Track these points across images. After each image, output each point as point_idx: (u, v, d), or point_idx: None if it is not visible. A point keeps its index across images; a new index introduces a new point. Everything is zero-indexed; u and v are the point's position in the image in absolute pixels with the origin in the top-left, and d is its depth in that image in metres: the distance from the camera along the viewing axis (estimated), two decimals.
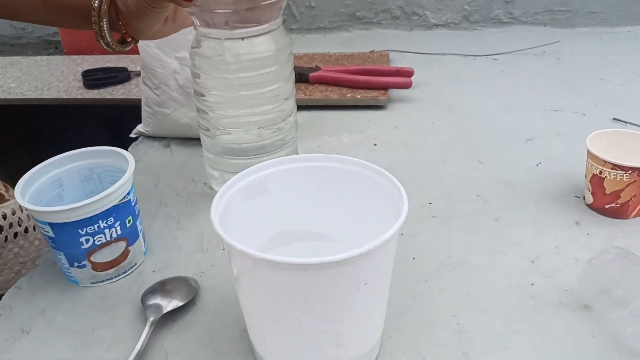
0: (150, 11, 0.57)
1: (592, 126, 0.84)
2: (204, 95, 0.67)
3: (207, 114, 0.68)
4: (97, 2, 0.58)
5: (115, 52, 0.64)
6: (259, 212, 0.51)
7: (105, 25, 0.59)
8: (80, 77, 1.01)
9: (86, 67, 1.06)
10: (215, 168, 0.72)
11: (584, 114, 0.88)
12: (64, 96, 0.96)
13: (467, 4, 1.25)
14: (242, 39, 0.63)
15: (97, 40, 0.60)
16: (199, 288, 0.58)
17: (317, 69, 0.99)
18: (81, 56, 1.11)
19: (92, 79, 0.99)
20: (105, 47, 0.62)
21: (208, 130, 0.69)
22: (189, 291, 0.57)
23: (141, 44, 0.80)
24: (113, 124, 1.13)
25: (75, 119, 1.06)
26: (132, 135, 0.88)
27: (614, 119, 0.86)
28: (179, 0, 0.55)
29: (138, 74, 1.02)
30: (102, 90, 0.97)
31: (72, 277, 0.58)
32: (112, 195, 0.55)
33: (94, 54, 1.14)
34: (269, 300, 0.42)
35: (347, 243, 0.52)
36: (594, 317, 0.52)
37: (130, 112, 0.95)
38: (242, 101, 0.66)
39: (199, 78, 0.66)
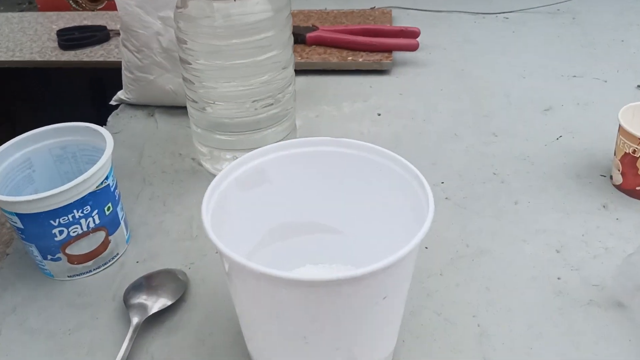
0: None
1: (615, 94, 0.78)
2: (190, 64, 0.59)
3: (194, 84, 0.60)
4: None
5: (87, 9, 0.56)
6: (256, 204, 0.44)
7: None
8: (55, 36, 0.92)
9: (62, 25, 0.97)
10: (204, 144, 0.65)
11: (606, 81, 0.81)
12: (38, 58, 0.87)
13: None
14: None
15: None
16: (189, 282, 0.52)
17: (315, 28, 0.90)
18: (56, 13, 1.02)
19: (68, 39, 0.90)
20: (74, 5, 0.54)
21: (195, 102, 0.61)
22: (178, 287, 0.51)
23: (120, 1, 0.71)
24: (95, 88, 1.05)
25: (52, 84, 0.97)
26: (112, 102, 0.80)
27: (638, 86, 0.79)
28: None
29: (118, 34, 0.93)
30: (79, 52, 0.89)
31: (46, 270, 0.52)
32: (88, 181, 0.48)
33: (70, 10, 1.04)
34: (271, 316, 0.36)
35: (355, 236, 0.47)
36: (629, 317, 0.47)
37: (111, 75, 0.87)
38: (234, 71, 0.58)
39: (185, 44, 0.58)
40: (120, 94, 0.79)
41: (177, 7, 0.58)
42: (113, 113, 0.79)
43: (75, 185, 0.47)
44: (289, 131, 0.66)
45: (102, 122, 0.77)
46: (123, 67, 0.76)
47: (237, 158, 0.63)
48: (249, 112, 0.61)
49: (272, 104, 0.61)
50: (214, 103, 0.60)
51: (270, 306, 0.35)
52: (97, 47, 0.91)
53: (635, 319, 0.47)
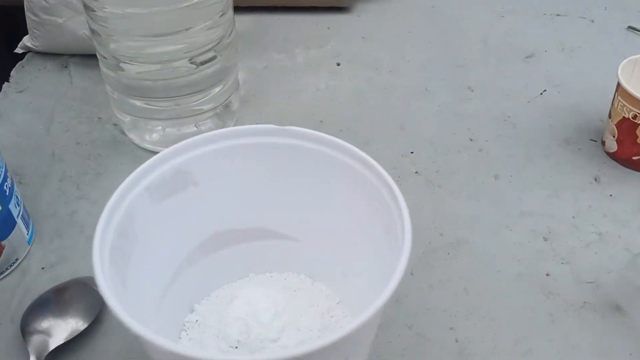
0: None
1: (604, 37, 0.69)
2: (94, 10, 0.46)
3: (101, 36, 0.48)
4: None
5: None
6: (179, 215, 0.34)
7: None
8: None
9: None
10: (125, 112, 0.53)
11: (593, 20, 0.72)
12: None
13: None
14: None
15: None
16: None
17: None
18: None
19: None
20: None
21: (106, 59, 0.49)
22: (93, 304, 0.41)
23: None
24: (6, 29, 0.88)
25: None
26: (18, 50, 0.66)
27: (629, 27, 0.70)
28: None
29: None
30: None
31: None
32: None
33: None
34: None
35: (310, 243, 0.37)
36: (627, 324, 0.41)
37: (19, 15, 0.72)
38: (154, 21, 0.46)
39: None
40: (26, 40, 0.65)
41: None
42: (18, 65, 0.65)
43: None
44: (230, 92, 0.54)
45: (6, 76, 0.63)
46: (26, 8, 0.62)
47: (164, 130, 0.52)
48: (178, 72, 0.49)
49: (207, 61, 0.49)
50: (129, 62, 0.48)
51: None
52: None
53: (634, 323, 0.41)
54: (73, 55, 0.65)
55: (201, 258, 0.37)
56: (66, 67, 0.64)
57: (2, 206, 0.41)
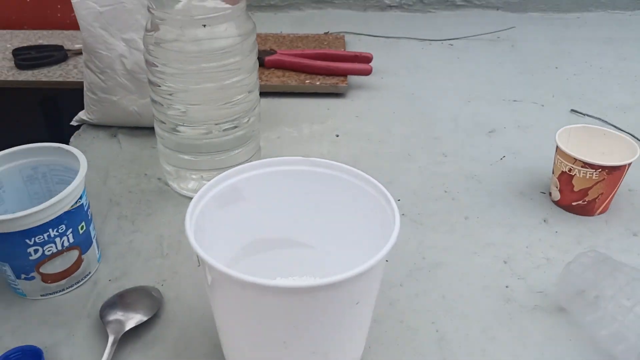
0: None
1: (552, 118, 0.85)
2: (159, 86, 0.61)
3: (163, 106, 0.62)
4: None
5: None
6: (232, 220, 0.47)
7: None
8: (11, 55, 0.92)
9: (16, 44, 0.96)
10: (171, 164, 0.66)
11: (543, 105, 0.89)
12: None
13: None
14: (204, 25, 0.58)
15: None
16: (163, 299, 0.53)
17: (273, 52, 0.94)
18: (10, 31, 1.01)
19: (25, 58, 0.90)
20: None
21: (164, 123, 0.63)
22: (152, 304, 0.52)
23: (83, 23, 0.72)
24: (48, 108, 1.04)
25: (7, 103, 0.96)
26: (73, 123, 0.81)
27: (572, 110, 0.87)
28: None
29: (76, 53, 0.94)
30: (36, 72, 0.88)
31: (18, 289, 0.53)
32: (64, 200, 0.50)
33: (24, 29, 1.03)
34: (254, 324, 0.39)
35: (325, 250, 0.50)
36: (570, 320, 0.53)
37: (67, 95, 0.87)
38: (202, 94, 0.61)
39: (155, 66, 0.60)
40: (82, 115, 0.80)
41: (147, 31, 0.60)
42: (75, 134, 0.79)
43: (52, 204, 0.48)
44: (254, 152, 0.68)
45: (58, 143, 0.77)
46: (85, 88, 0.77)
47: (202, 178, 0.66)
48: (216, 134, 0.63)
49: (237, 127, 0.64)
50: (182, 125, 0.62)
51: (253, 313, 0.38)
52: (55, 67, 0.91)
53: (575, 321, 0.53)
54: (121, 127, 0.80)
55: (243, 259, 0.49)
56: (115, 136, 0.79)
57: (86, 226, 0.54)
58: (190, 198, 0.43)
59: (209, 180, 0.45)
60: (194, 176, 0.67)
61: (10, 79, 0.87)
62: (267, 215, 0.49)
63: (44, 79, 0.87)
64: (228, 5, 0.59)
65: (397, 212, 0.41)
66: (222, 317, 0.42)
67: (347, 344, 0.42)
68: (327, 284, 0.35)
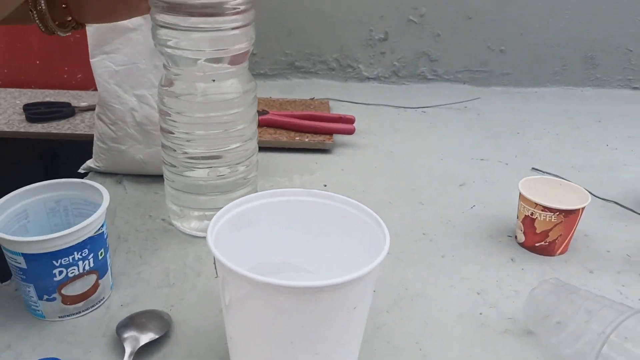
0: None
1: (515, 174, 0.95)
2: (172, 133, 0.69)
3: (175, 151, 0.70)
4: None
5: (54, 35, 0.60)
6: (240, 244, 0.53)
7: (43, 4, 0.56)
8: (21, 110, 0.99)
9: (25, 101, 1.04)
10: (176, 204, 0.73)
11: (507, 164, 0.99)
12: (6, 129, 0.93)
13: (396, 60, 1.36)
14: (214, 80, 0.67)
15: (37, 24, 0.57)
16: (172, 321, 0.59)
17: (265, 112, 1.03)
18: (19, 89, 1.08)
19: (35, 112, 0.97)
20: (43, 30, 0.59)
21: (174, 166, 0.71)
22: (162, 324, 0.57)
23: (100, 79, 0.81)
24: (48, 159, 1.10)
25: (10, 153, 1.02)
26: (81, 170, 0.87)
27: (533, 168, 0.97)
28: None
29: (83, 110, 1.02)
30: (46, 125, 0.96)
31: (38, 310, 0.57)
32: (89, 226, 0.56)
33: (32, 88, 1.11)
34: (266, 324, 0.45)
35: (322, 274, 0.56)
36: (537, 342, 0.59)
37: (67, 147, 0.94)
38: (210, 139, 0.69)
39: (169, 116, 0.68)
40: (90, 163, 0.86)
41: (162, 86, 0.69)
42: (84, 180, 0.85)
43: (80, 229, 0.54)
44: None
45: None
46: (96, 138, 0.85)
47: (205, 216, 0.72)
48: (219, 176, 0.70)
49: (238, 170, 0.72)
50: (191, 167, 0.70)
51: (265, 312, 0.44)
52: (63, 121, 0.98)
53: (542, 342, 0.59)
54: (126, 175, 0.86)
55: None
56: (120, 182, 0.85)
57: (105, 253, 0.59)
58: (193, 236, 0.49)
59: (209, 220, 0.51)
60: (195, 214, 0.73)
61: (22, 130, 0.93)
62: (270, 241, 0.55)
63: (54, 132, 0.94)
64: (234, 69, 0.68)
65: (387, 232, 0.49)
66: (234, 320, 0.47)
67: (345, 349, 0.48)
68: (332, 285, 0.42)
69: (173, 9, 0.61)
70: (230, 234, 0.52)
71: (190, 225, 0.74)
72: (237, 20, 0.63)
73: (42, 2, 0.57)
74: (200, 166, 0.70)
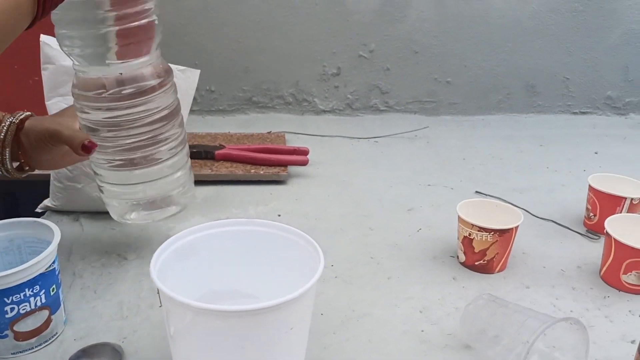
0: (50, 148, 0.65)
1: (460, 198, 0.98)
2: (97, 130, 0.64)
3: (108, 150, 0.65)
4: (2, 133, 0.64)
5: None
6: (189, 274, 0.56)
7: (7, 155, 0.65)
8: None
9: None
10: (116, 198, 0.69)
11: (452, 188, 1.04)
12: None
13: (349, 93, 1.42)
14: (121, 73, 0.61)
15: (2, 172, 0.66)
16: (124, 353, 0.60)
17: (222, 147, 1.07)
18: None
19: None
20: (4, 174, 0.67)
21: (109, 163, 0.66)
22: (115, 356, 0.59)
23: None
24: (7, 200, 1.12)
25: None
26: (38, 210, 0.89)
27: (476, 191, 1.02)
28: (77, 151, 0.61)
29: None
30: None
31: None
32: (40, 263, 0.58)
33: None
34: (209, 349, 0.47)
35: (267, 299, 0.59)
36: (474, 355, 0.63)
37: (26, 188, 0.95)
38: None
39: (84, 113, 0.63)
40: (47, 202, 0.88)
41: (74, 86, 0.63)
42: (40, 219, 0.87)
43: (31, 265, 0.56)
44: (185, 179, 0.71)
45: None
46: (52, 178, 0.87)
47: (142, 208, 0.71)
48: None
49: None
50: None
51: (205, 338, 0.47)
52: None
53: (479, 355, 0.63)
54: (83, 212, 0.88)
55: None
56: (77, 220, 0.87)
57: (57, 289, 0.61)
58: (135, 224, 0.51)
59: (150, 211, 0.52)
60: (134, 203, 0.68)
61: None
62: (217, 269, 0.58)
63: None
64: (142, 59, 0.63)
65: (322, 255, 0.52)
66: (179, 349, 0.50)
67: None
68: (268, 307, 0.45)
69: None
70: (178, 264, 0.55)
71: (131, 217, 0.70)
72: None
73: (7, 161, 0.66)
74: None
